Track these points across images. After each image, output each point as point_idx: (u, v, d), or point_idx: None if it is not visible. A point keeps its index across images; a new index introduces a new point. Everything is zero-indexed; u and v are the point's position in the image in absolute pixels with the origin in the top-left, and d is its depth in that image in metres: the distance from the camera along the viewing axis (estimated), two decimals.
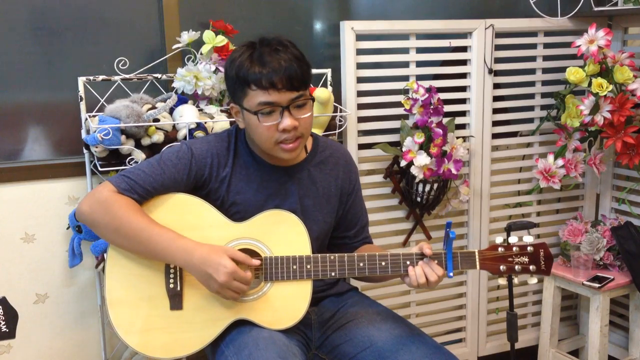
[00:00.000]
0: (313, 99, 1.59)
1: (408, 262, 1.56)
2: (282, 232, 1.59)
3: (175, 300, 1.56)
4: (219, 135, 1.69)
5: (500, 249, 1.59)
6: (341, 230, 1.80)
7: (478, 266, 1.58)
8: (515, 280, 1.65)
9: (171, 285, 1.56)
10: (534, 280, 1.61)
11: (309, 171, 1.70)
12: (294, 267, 1.56)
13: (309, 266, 1.56)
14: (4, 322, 2.04)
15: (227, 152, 1.64)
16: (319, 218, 1.70)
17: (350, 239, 1.81)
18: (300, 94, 1.53)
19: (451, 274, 1.57)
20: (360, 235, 1.82)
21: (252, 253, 1.57)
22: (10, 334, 2.06)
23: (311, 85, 1.62)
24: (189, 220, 1.58)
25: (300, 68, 1.52)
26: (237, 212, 1.63)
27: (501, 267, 1.58)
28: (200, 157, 1.61)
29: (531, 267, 1.58)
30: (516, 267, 1.58)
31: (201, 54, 2.04)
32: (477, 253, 1.59)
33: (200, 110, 2.06)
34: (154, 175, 1.56)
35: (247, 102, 1.54)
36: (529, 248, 1.59)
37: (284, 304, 1.57)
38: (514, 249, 1.59)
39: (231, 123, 1.98)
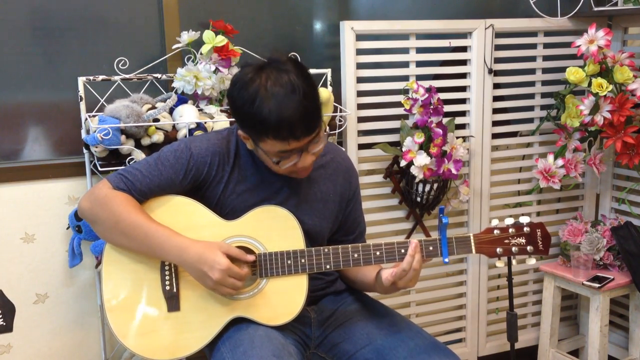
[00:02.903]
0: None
1: (403, 250, 1.56)
2: (275, 228, 1.59)
3: (172, 301, 1.56)
4: (220, 133, 1.67)
5: (495, 231, 1.57)
6: (341, 234, 1.80)
7: (474, 250, 1.57)
8: (514, 262, 1.62)
9: (167, 287, 1.56)
10: (532, 261, 1.59)
11: (309, 174, 1.69)
12: (289, 262, 1.57)
13: (303, 260, 1.57)
14: (0, 316, 2.04)
15: (228, 151, 1.63)
16: (316, 222, 1.69)
17: (349, 243, 1.79)
18: (317, 133, 1.51)
19: (447, 260, 1.55)
20: (358, 241, 1.81)
21: (246, 250, 1.57)
22: (8, 328, 2.06)
23: None
24: (181, 222, 1.57)
25: (315, 108, 1.48)
26: (231, 211, 1.62)
27: (498, 250, 1.56)
28: (199, 157, 1.60)
29: (528, 248, 1.56)
30: (513, 248, 1.56)
31: (201, 54, 2.04)
32: (472, 237, 1.57)
33: (200, 110, 2.06)
34: (150, 177, 1.56)
35: (264, 146, 1.51)
36: (525, 229, 1.57)
37: (281, 299, 1.57)
38: (510, 230, 1.57)
39: (231, 123, 1.98)
